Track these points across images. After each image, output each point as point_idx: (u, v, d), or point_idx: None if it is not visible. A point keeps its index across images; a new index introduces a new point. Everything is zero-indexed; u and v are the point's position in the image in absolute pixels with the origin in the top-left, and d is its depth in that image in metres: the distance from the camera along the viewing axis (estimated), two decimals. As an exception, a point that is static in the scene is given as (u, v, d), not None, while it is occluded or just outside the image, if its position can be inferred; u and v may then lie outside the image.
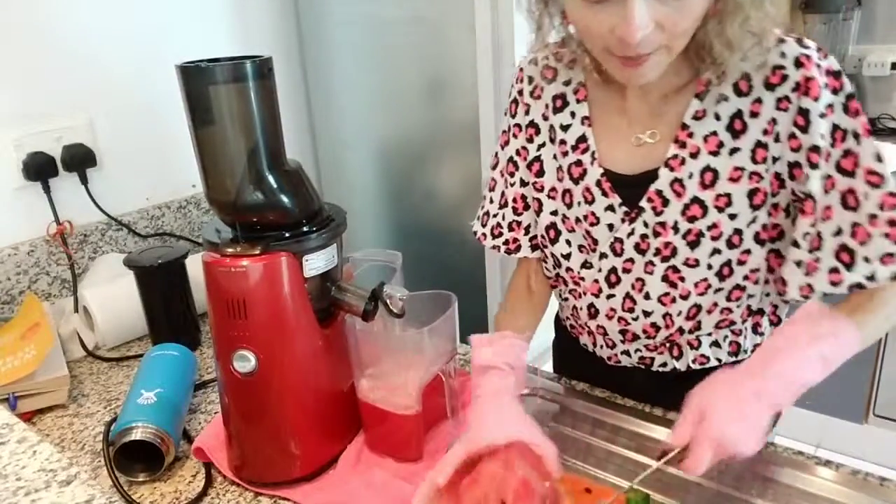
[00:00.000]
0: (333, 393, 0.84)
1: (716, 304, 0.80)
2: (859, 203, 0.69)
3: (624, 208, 0.79)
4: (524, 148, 0.88)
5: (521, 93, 0.88)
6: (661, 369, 0.88)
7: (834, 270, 0.71)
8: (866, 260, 0.69)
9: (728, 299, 0.80)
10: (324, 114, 1.67)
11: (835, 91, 0.69)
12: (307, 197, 0.79)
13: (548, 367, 1.36)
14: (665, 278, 0.80)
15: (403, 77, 1.48)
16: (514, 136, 0.89)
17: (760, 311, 0.84)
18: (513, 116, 0.89)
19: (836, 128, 0.69)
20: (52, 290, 1.24)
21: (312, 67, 1.64)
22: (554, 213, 0.86)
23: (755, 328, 0.86)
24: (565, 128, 0.83)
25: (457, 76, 1.38)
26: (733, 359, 0.86)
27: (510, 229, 0.91)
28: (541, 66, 0.86)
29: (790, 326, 0.72)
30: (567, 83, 0.83)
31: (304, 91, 1.67)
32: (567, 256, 0.86)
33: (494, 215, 0.93)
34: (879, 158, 0.69)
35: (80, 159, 1.25)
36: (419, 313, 0.83)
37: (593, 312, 0.87)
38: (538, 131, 0.86)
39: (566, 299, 0.92)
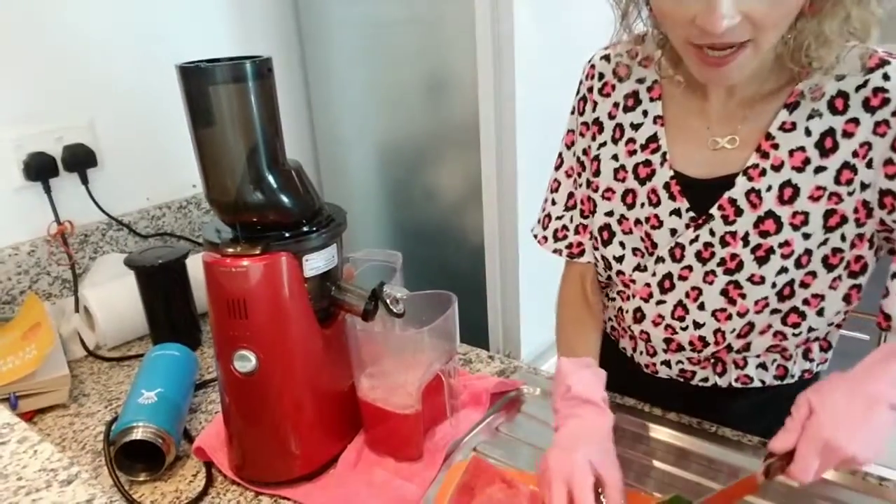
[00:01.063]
0: (333, 393, 0.84)
1: (770, 326, 0.77)
2: None
3: (691, 213, 0.76)
4: (590, 147, 0.85)
5: (590, 90, 0.84)
6: (700, 384, 0.85)
7: None
8: None
9: (784, 322, 0.76)
10: (324, 114, 1.67)
11: None
12: (307, 197, 0.79)
13: (548, 366, 1.36)
14: (724, 292, 0.76)
15: (403, 77, 1.48)
16: (582, 134, 0.86)
17: (815, 338, 0.81)
18: (581, 114, 0.86)
19: None
20: (52, 290, 1.24)
21: (312, 67, 1.64)
22: (609, 213, 0.83)
23: (806, 353, 0.83)
24: (636, 126, 0.80)
25: (457, 76, 1.38)
26: (778, 382, 0.83)
27: (576, 232, 0.88)
28: (613, 63, 0.82)
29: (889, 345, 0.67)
30: (641, 81, 0.80)
31: (304, 91, 1.67)
32: (619, 259, 0.83)
33: (559, 217, 0.90)
34: None
35: (81, 159, 1.25)
36: (419, 313, 0.83)
37: (639, 317, 0.84)
38: (601, 129, 0.83)
39: (613, 300, 0.90)
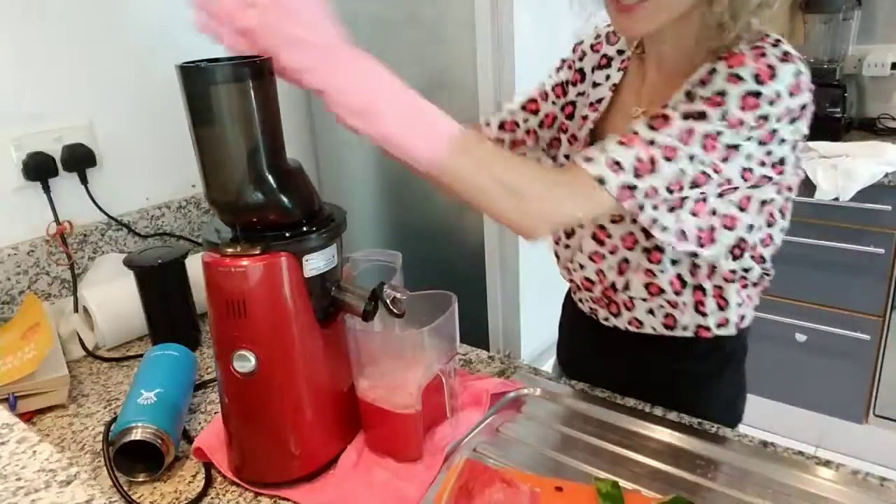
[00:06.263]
0: (333, 393, 0.84)
1: (640, 264, 0.85)
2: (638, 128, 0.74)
3: None
4: (566, 84, 0.97)
5: (582, 42, 0.97)
6: (605, 323, 0.95)
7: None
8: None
9: (650, 260, 0.84)
10: (324, 114, 1.67)
11: (740, 80, 0.70)
12: (307, 197, 0.79)
13: (548, 366, 1.36)
14: (594, 236, 0.88)
15: (403, 77, 1.47)
16: (568, 67, 0.98)
17: (700, 289, 0.85)
18: (573, 52, 0.98)
19: (690, 95, 0.73)
20: (51, 290, 1.24)
21: (312, 67, 1.64)
22: (567, 157, 0.94)
23: (697, 306, 0.87)
24: (595, 85, 0.92)
25: (457, 76, 1.38)
26: (669, 332, 0.89)
27: (527, 133, 1.00)
28: (609, 29, 0.94)
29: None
30: (621, 52, 0.91)
31: (304, 91, 1.67)
32: None
33: (511, 111, 1.02)
34: (681, 140, 0.71)
35: (80, 159, 1.25)
36: (419, 313, 0.83)
37: (558, 258, 0.99)
38: (583, 79, 0.95)
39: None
